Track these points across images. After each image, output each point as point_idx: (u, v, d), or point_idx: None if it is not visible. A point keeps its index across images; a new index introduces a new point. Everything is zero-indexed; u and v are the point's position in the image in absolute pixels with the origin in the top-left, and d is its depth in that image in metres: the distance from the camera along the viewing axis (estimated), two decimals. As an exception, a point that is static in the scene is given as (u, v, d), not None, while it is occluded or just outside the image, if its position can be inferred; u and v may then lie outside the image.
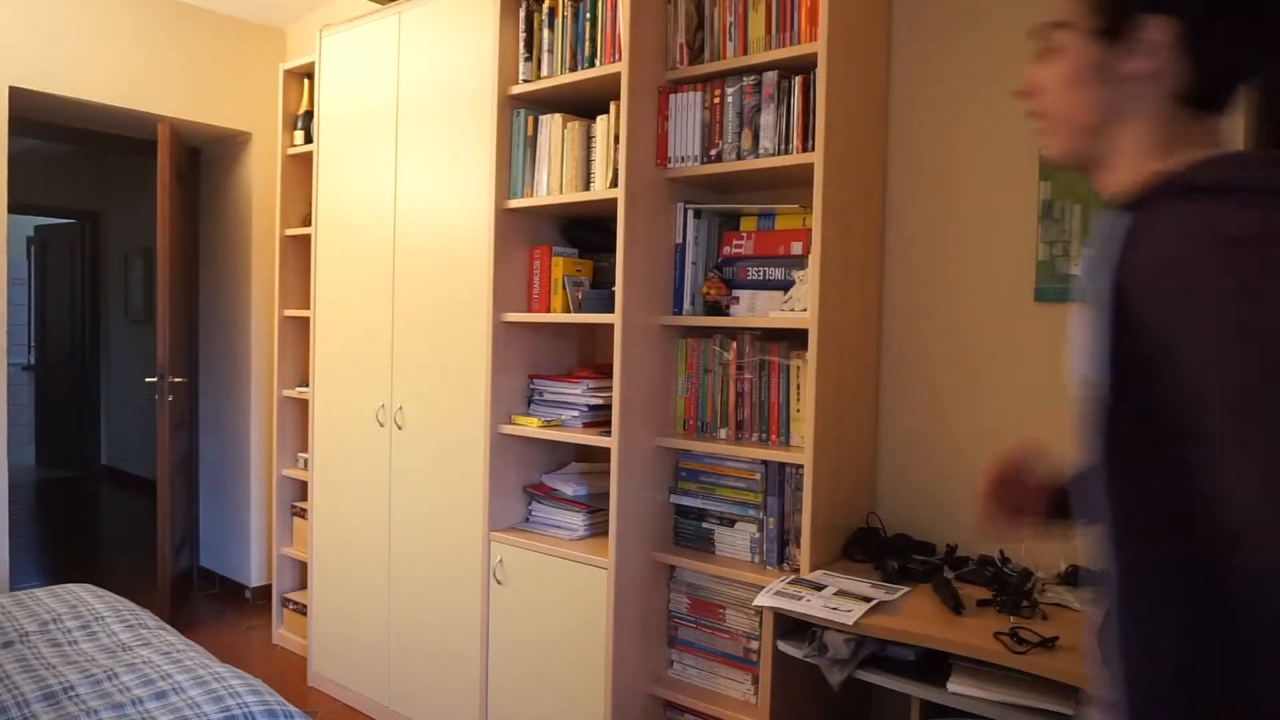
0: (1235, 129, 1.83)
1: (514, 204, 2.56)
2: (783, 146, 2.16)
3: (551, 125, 2.50)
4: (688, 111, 2.31)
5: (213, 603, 4.19)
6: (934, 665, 1.76)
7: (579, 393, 2.52)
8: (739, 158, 2.23)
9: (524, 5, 2.56)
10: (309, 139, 3.50)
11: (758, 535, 2.24)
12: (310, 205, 3.41)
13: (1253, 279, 0.67)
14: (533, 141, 2.55)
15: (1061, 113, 0.90)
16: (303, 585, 3.63)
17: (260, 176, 4.09)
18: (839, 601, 1.85)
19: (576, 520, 2.52)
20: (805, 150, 2.11)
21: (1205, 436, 0.70)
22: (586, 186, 2.46)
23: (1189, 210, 0.72)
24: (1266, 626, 0.68)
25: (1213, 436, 0.69)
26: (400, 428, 2.87)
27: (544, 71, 2.51)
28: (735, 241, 2.36)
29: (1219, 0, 0.80)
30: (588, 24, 2.41)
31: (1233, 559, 0.70)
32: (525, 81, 2.55)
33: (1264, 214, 0.69)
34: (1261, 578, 0.66)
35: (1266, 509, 0.65)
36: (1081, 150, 0.90)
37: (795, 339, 2.21)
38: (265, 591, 4.08)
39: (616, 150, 2.34)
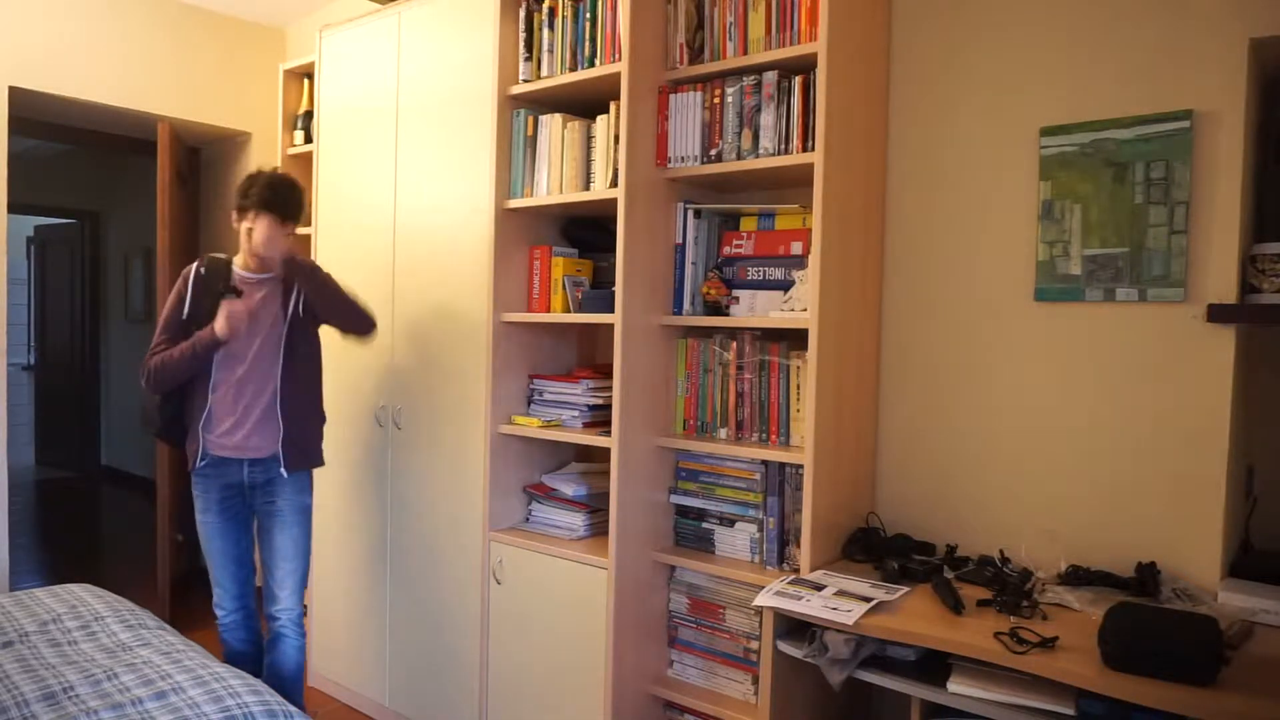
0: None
1: (514, 204, 2.56)
2: (783, 146, 2.16)
3: (551, 125, 2.50)
4: (688, 111, 2.31)
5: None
6: (934, 665, 1.76)
7: (579, 393, 2.52)
8: (739, 158, 2.23)
9: (524, 5, 2.56)
10: (309, 139, 3.50)
11: (758, 535, 2.24)
12: (310, 205, 3.41)
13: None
14: (533, 141, 2.55)
15: None
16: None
17: (260, 176, 4.08)
18: (839, 601, 1.85)
19: (576, 520, 2.52)
20: (805, 150, 2.11)
21: None
22: (586, 186, 2.46)
23: None
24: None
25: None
26: (400, 428, 2.87)
27: (544, 71, 2.51)
28: (735, 241, 2.36)
29: (269, 204, 2.41)
30: (588, 24, 2.41)
31: None
32: (525, 81, 2.54)
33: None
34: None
35: None
36: None
37: (795, 339, 2.21)
38: (265, 591, 4.06)
39: (616, 150, 2.34)
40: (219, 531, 2.52)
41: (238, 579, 2.57)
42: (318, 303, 2.50)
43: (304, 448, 2.55)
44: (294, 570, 2.56)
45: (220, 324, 2.36)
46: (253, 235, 2.42)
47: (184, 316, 2.47)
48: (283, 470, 2.51)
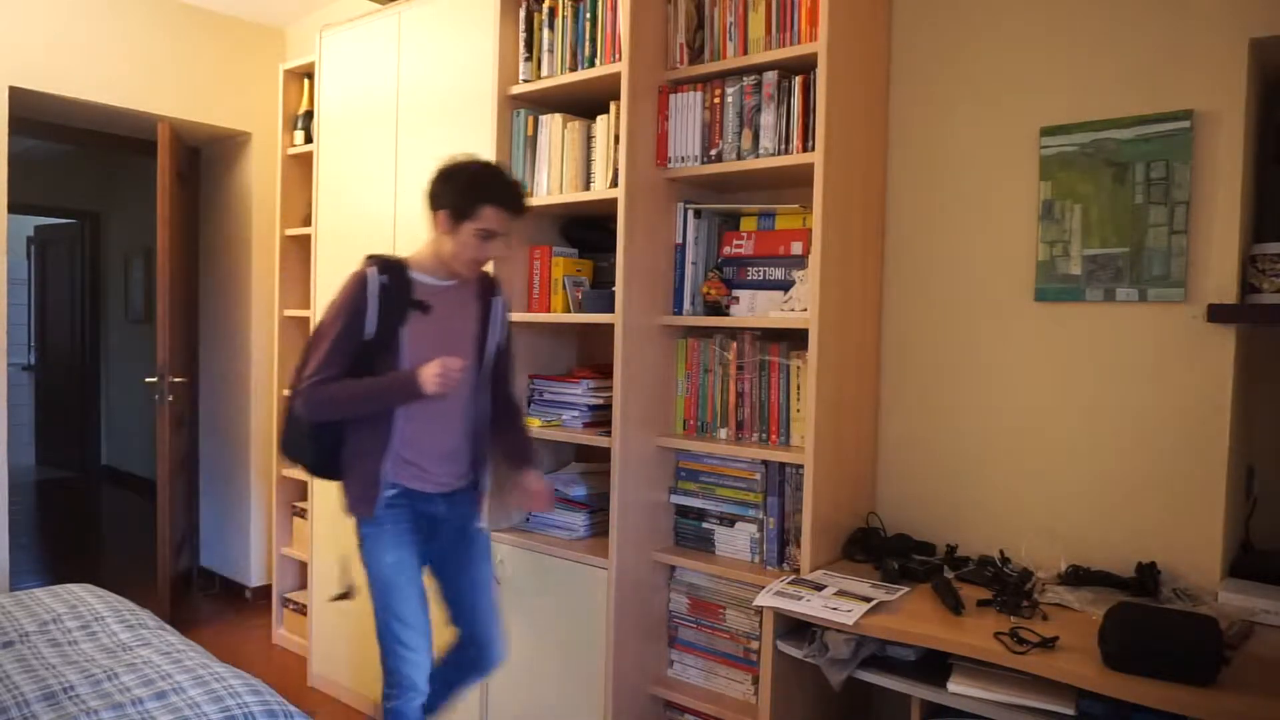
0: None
1: (514, 204, 2.55)
2: (783, 146, 2.16)
3: (551, 125, 2.50)
4: (688, 111, 2.31)
5: (213, 603, 4.19)
6: (934, 665, 1.76)
7: (579, 393, 2.52)
8: (739, 158, 2.23)
9: (524, 5, 2.56)
10: (309, 139, 3.50)
11: (758, 535, 2.24)
12: (310, 205, 3.41)
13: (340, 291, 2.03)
14: (533, 141, 2.55)
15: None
16: (303, 585, 3.62)
17: (260, 176, 4.08)
18: (839, 601, 1.85)
19: (577, 520, 2.52)
20: (805, 150, 2.11)
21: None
22: (586, 186, 2.46)
23: None
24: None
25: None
26: (400, 428, 2.87)
27: (544, 71, 2.51)
28: (735, 241, 2.36)
29: (505, 198, 2.02)
30: (588, 24, 2.41)
31: None
32: (525, 81, 2.54)
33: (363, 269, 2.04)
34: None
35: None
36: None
37: (795, 339, 2.21)
38: (265, 591, 4.07)
39: (616, 150, 2.34)
40: (416, 570, 2.10)
41: (428, 624, 2.12)
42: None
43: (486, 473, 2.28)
44: (495, 602, 2.26)
45: (432, 381, 1.92)
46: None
47: (367, 337, 2.01)
48: (477, 499, 2.24)
